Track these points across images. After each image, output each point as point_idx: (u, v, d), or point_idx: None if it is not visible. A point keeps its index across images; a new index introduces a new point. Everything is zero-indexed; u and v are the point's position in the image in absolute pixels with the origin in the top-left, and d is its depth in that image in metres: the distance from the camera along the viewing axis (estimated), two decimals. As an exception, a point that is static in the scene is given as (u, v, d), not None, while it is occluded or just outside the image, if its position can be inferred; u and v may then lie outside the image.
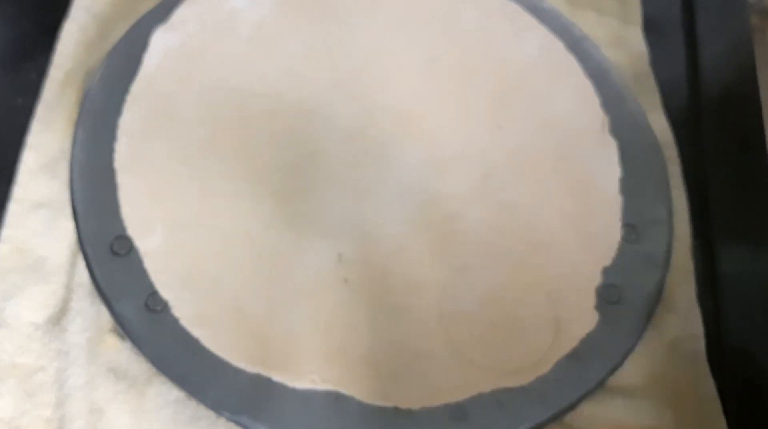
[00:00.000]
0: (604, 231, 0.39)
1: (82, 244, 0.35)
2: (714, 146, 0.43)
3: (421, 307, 0.36)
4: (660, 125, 0.43)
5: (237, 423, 0.33)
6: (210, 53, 0.41)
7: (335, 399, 0.33)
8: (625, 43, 0.46)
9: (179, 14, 0.41)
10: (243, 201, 0.37)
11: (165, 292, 0.34)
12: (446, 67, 0.42)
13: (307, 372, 0.33)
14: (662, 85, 0.44)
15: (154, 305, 0.34)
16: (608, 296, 0.37)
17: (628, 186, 0.40)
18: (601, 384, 0.36)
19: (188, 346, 0.33)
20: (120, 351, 0.34)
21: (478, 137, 0.41)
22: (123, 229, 0.35)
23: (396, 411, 0.33)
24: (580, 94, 0.43)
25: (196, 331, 0.34)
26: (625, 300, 0.37)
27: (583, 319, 0.37)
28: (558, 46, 0.44)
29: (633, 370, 0.36)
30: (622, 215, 0.39)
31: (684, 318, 0.38)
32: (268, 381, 0.33)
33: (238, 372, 0.33)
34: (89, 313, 0.34)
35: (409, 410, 0.33)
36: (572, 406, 0.35)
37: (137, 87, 0.39)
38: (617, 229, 0.39)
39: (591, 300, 0.37)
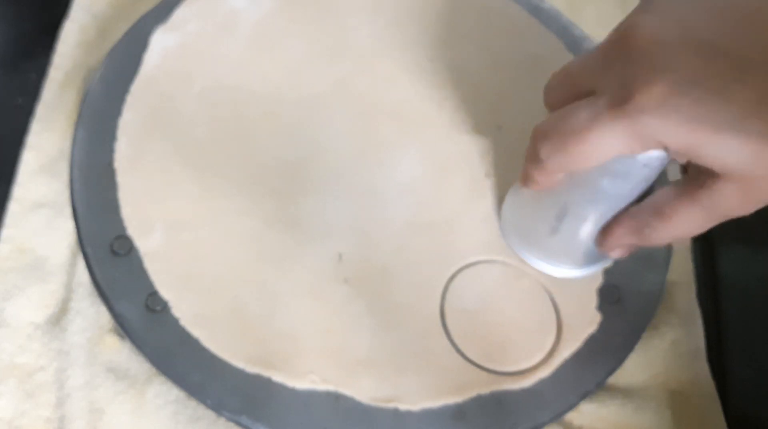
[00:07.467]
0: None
1: (82, 244, 0.35)
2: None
3: (420, 306, 0.36)
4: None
5: (237, 423, 0.33)
6: (210, 53, 0.41)
7: (335, 399, 0.33)
8: (625, 43, 0.46)
9: (179, 14, 0.41)
10: (243, 201, 0.37)
11: (165, 292, 0.34)
12: (446, 67, 0.42)
13: (307, 372, 0.33)
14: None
15: (154, 305, 0.34)
16: (609, 297, 0.37)
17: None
18: (601, 384, 0.36)
19: (188, 346, 0.33)
20: (120, 351, 0.34)
21: (478, 137, 0.41)
22: (123, 229, 0.35)
23: (396, 411, 0.33)
24: (580, 94, 0.43)
25: (195, 331, 0.34)
26: (625, 300, 0.37)
27: (585, 319, 0.37)
28: (558, 46, 0.44)
29: (633, 370, 0.36)
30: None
31: (684, 318, 0.38)
32: (268, 381, 0.33)
33: (238, 372, 0.33)
34: (89, 313, 0.34)
35: (409, 410, 0.33)
36: (572, 406, 0.35)
37: (137, 87, 0.39)
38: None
39: (593, 301, 0.37)
